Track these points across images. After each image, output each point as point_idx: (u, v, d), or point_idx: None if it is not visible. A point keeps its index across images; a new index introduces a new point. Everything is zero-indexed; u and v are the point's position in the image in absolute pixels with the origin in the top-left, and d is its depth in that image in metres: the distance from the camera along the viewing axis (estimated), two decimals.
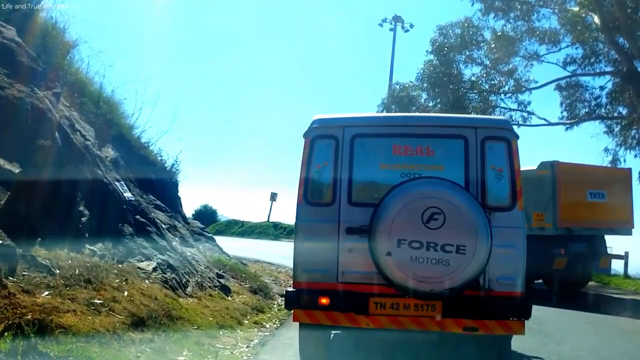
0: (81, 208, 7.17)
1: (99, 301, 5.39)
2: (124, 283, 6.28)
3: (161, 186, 11.57)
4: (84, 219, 7.11)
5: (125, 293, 5.98)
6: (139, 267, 7.27)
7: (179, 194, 12.99)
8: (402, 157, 4.97)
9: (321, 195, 5.00)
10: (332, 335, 5.72)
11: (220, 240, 14.34)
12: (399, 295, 4.63)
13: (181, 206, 12.89)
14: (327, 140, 5.00)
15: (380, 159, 5.06)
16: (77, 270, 5.80)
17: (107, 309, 5.37)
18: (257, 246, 25.70)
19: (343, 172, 4.93)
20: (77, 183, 7.15)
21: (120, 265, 6.94)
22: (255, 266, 14.64)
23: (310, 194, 4.99)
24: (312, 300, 4.80)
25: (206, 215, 37.53)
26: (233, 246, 18.66)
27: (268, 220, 38.14)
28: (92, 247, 6.88)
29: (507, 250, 4.64)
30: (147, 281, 6.92)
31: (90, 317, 4.99)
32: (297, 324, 5.11)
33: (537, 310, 5.51)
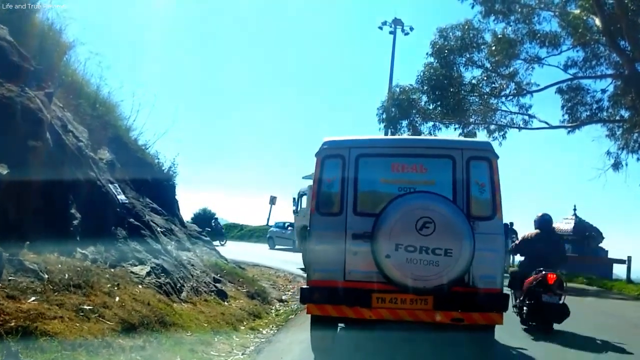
0: (73, 210, 6.99)
1: (88, 307, 5.23)
2: (115, 288, 6.10)
3: (158, 189, 11.38)
4: (75, 222, 6.93)
5: (117, 298, 5.81)
6: (132, 272, 7.08)
7: (176, 197, 12.80)
8: (399, 173, 5.74)
9: (331, 207, 5.72)
10: (338, 329, 6.19)
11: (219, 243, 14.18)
12: (396, 291, 5.34)
13: (178, 209, 12.68)
14: (335, 160, 5.74)
15: (380, 175, 5.82)
16: (66, 275, 5.63)
17: (96, 315, 5.20)
18: (256, 250, 25.55)
19: (349, 187, 5.67)
20: (68, 185, 6.97)
21: (112, 270, 6.75)
22: (253, 270, 14.46)
23: (322, 205, 5.74)
24: (322, 295, 5.53)
25: (205, 219, 37.32)
26: (231, 250, 18.50)
27: (267, 224, 37.92)
28: (83, 251, 6.69)
29: (489, 254, 5.38)
30: (140, 286, 6.75)
31: (78, 324, 4.83)
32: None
33: None
